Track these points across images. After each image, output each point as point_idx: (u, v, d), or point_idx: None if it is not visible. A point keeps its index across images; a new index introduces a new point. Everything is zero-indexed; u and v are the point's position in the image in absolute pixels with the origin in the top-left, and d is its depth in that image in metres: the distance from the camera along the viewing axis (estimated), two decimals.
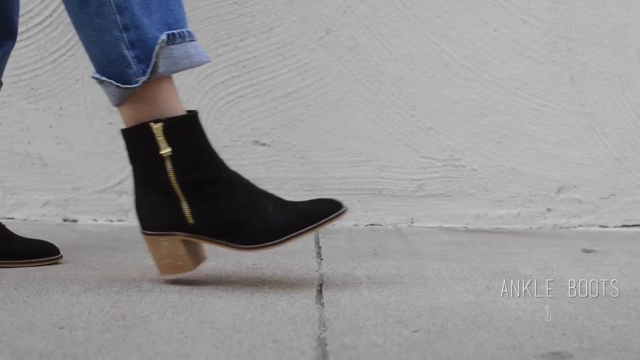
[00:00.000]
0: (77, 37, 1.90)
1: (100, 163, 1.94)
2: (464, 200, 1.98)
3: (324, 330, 1.01)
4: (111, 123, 1.92)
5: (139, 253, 1.52)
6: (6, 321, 1.03)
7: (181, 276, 1.30)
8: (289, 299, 1.17)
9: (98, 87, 1.90)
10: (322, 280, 1.31)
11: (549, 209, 1.99)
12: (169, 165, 1.19)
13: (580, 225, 1.99)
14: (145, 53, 1.19)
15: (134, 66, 1.19)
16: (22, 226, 1.85)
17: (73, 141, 1.93)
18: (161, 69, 1.19)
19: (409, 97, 1.95)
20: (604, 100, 1.97)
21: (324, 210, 1.20)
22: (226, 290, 1.21)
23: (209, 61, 1.26)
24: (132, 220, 1.95)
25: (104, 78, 1.20)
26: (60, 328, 1.00)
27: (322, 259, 1.50)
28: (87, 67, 1.91)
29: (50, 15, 1.91)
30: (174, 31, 1.20)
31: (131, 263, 1.42)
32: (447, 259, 1.51)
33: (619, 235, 1.90)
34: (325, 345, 0.95)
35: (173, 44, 1.20)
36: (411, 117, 1.96)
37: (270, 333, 0.99)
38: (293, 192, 1.94)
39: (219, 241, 1.20)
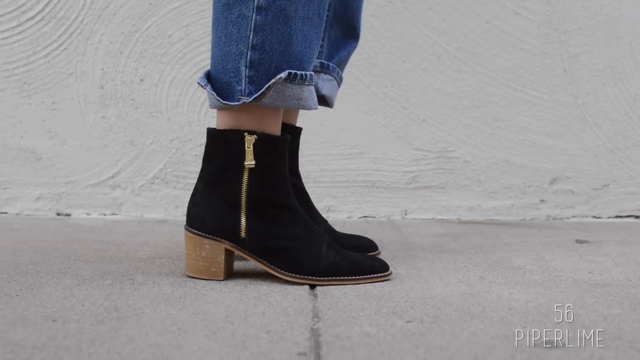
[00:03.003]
0: (69, 32, 1.90)
1: (94, 157, 1.93)
2: (457, 192, 1.98)
3: (318, 321, 1.01)
4: (104, 117, 1.92)
5: (132, 246, 1.52)
6: None
7: (174, 269, 1.30)
8: (282, 290, 1.17)
9: (90, 80, 1.91)
10: None
11: (542, 200, 1.99)
12: (245, 177, 1.20)
13: (573, 216, 2.00)
14: (259, 77, 1.18)
15: (243, 84, 1.18)
16: (15, 220, 1.85)
17: (66, 135, 1.93)
18: (267, 99, 1.18)
19: (401, 89, 1.95)
20: (596, 91, 1.97)
21: (372, 267, 1.23)
22: (219, 282, 1.21)
23: (315, 109, 1.25)
24: (125, 214, 1.94)
25: (208, 88, 1.20)
26: (53, 321, 1.00)
27: None
28: (79, 62, 1.91)
29: (43, 9, 1.90)
30: (298, 72, 1.18)
31: (124, 256, 1.41)
32: (440, 250, 1.51)
33: (612, 225, 1.90)
34: (319, 335, 0.95)
35: (291, 83, 1.18)
36: (404, 109, 1.96)
37: (263, 324, 1.00)
38: None
39: (262, 261, 1.21)
